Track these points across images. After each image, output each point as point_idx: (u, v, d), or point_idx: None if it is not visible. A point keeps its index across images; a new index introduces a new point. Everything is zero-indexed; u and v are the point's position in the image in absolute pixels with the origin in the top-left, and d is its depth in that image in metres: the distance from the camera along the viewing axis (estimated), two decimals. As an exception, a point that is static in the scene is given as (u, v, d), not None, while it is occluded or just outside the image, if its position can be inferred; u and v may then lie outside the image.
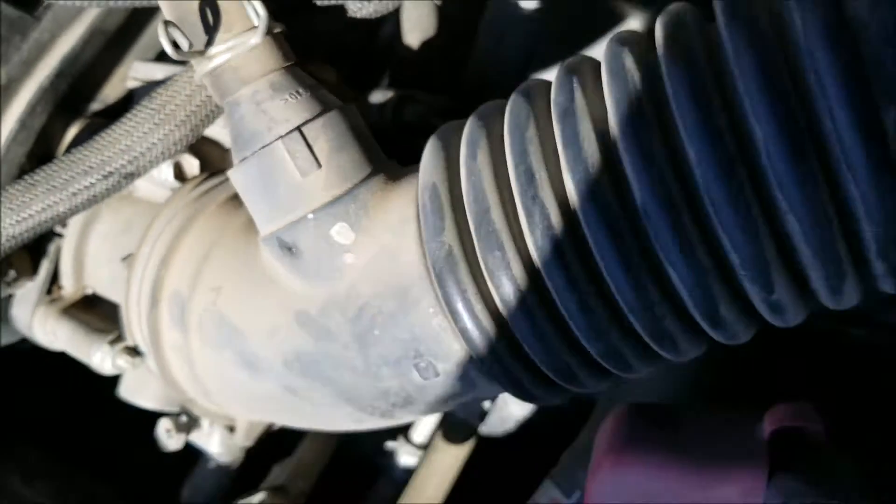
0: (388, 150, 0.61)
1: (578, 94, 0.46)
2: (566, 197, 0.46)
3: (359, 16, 0.60)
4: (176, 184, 0.69)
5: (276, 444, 0.84)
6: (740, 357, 0.72)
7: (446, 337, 0.52)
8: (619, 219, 0.44)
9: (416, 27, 0.80)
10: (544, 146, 0.47)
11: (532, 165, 0.47)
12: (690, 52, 0.43)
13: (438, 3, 0.81)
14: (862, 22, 0.40)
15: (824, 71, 0.39)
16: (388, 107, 0.75)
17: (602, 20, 1.05)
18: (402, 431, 1.00)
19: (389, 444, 1.00)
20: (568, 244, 0.46)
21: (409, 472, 0.97)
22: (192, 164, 0.69)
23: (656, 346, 0.49)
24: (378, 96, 0.76)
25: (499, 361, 0.51)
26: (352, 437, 0.96)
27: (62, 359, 0.76)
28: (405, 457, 0.98)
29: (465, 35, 0.83)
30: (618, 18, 1.07)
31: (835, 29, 0.39)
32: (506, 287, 0.48)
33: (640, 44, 0.46)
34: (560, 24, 0.82)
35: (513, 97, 0.51)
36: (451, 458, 0.93)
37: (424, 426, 0.98)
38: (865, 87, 0.39)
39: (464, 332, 0.50)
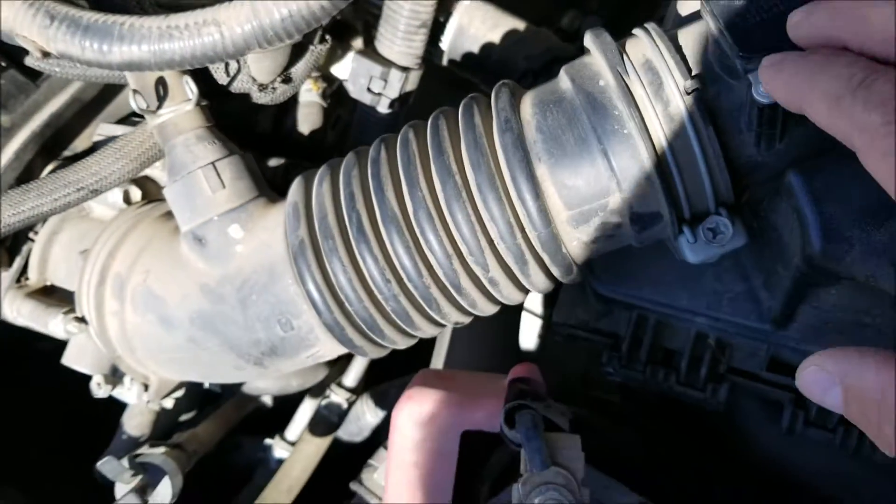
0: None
1: (383, 152, 0.77)
2: (373, 207, 0.76)
3: (260, 102, 0.91)
4: (124, 206, 0.96)
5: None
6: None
7: (299, 301, 0.79)
8: (401, 222, 0.74)
9: (307, 120, 1.12)
10: (362, 179, 0.77)
11: (353, 189, 0.76)
12: (439, 133, 0.74)
13: (325, 105, 1.14)
14: (526, 119, 0.72)
15: (504, 141, 0.71)
16: (280, 170, 1.05)
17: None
18: (279, 432, 1.25)
19: (267, 441, 1.25)
20: (372, 236, 0.75)
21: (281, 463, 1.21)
22: (136, 193, 0.97)
23: (427, 307, 0.77)
24: (274, 162, 1.06)
25: (331, 316, 0.79)
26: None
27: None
28: (279, 451, 1.23)
29: (341, 128, 1.15)
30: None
31: (511, 121, 0.71)
32: (335, 264, 0.76)
33: (422, 126, 0.78)
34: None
35: (349, 154, 0.81)
36: (314, 447, 1.18)
37: (297, 426, 1.23)
38: (526, 153, 0.71)
39: (309, 296, 0.78)
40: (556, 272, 0.74)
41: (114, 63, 0.75)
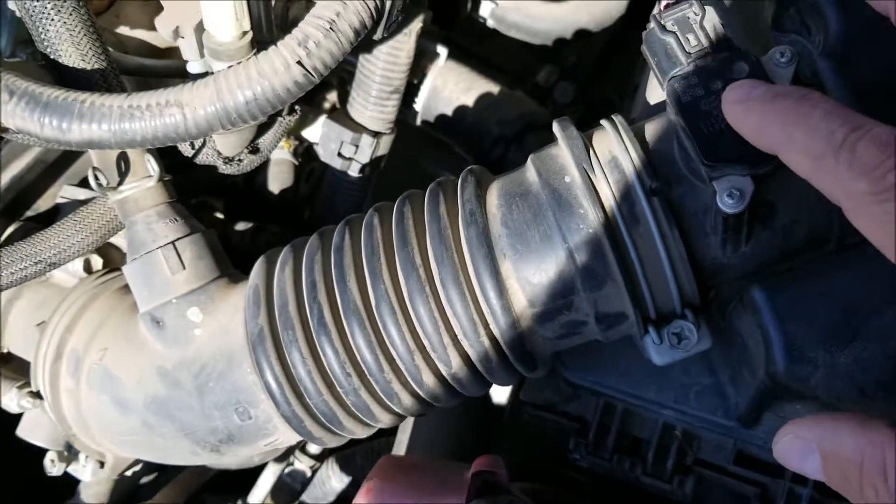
0: (241, 266, 0.88)
1: (347, 238, 0.75)
2: (335, 298, 0.74)
3: (226, 173, 0.89)
4: (84, 275, 0.94)
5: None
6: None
7: (257, 390, 0.77)
8: (363, 314, 0.72)
9: (277, 179, 1.10)
10: (325, 266, 0.75)
11: (315, 278, 0.75)
12: (405, 223, 0.73)
13: (295, 163, 1.12)
14: (492, 212, 0.70)
15: (469, 236, 0.69)
16: (246, 234, 1.03)
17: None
18: (242, 496, 1.23)
19: (229, 507, 1.22)
20: (333, 329, 0.73)
21: (246, 527, 1.19)
22: (97, 261, 0.95)
23: (388, 401, 0.76)
24: (241, 225, 1.04)
25: (289, 407, 0.77)
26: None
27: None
28: (243, 515, 1.20)
29: (314, 181, 1.13)
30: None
31: (476, 214, 0.70)
32: (294, 356, 0.74)
33: (387, 211, 0.76)
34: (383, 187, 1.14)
35: (313, 235, 0.79)
36: (278, 515, 1.16)
37: (259, 491, 1.20)
38: (491, 248, 0.69)
39: (267, 387, 0.76)
40: (520, 369, 0.73)
41: (73, 142, 0.73)
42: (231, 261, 0.90)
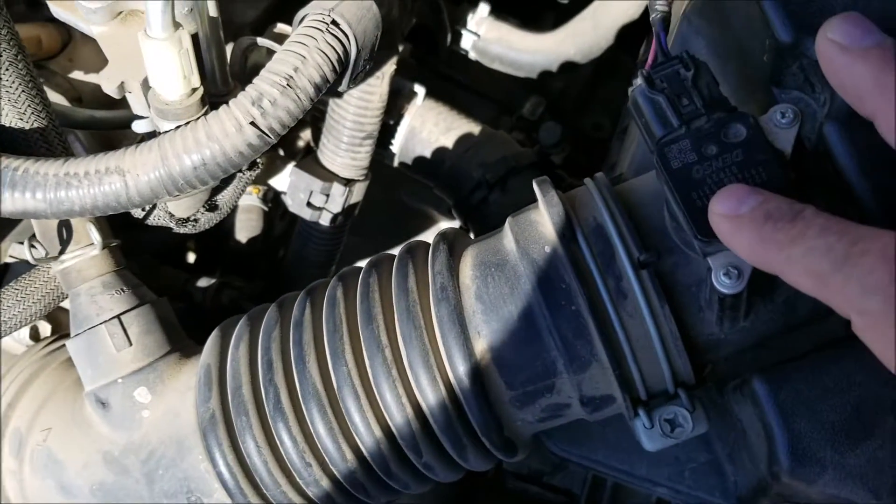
0: (204, 327, 0.81)
1: (307, 311, 0.69)
2: (293, 380, 0.67)
3: (181, 232, 0.82)
4: (31, 342, 0.87)
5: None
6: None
7: (209, 479, 0.70)
8: (323, 399, 0.65)
9: (245, 227, 1.03)
10: (283, 344, 0.69)
11: (272, 358, 0.68)
12: (370, 296, 0.66)
13: (265, 209, 1.05)
14: (465, 284, 0.64)
15: (439, 312, 0.63)
16: (209, 291, 0.96)
17: (403, 232, 1.31)
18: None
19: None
20: (291, 415, 0.66)
21: None
22: (45, 328, 0.88)
23: (353, 491, 0.68)
24: (203, 281, 0.97)
25: (245, 500, 0.69)
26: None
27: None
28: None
29: (282, 236, 1.06)
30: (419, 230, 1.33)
31: (448, 288, 0.63)
32: (249, 444, 0.67)
33: (352, 281, 0.70)
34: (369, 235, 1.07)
35: (272, 306, 0.73)
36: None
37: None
38: (464, 325, 0.62)
39: (220, 476, 0.69)
40: (498, 455, 0.66)
41: (5, 211, 0.67)
42: (193, 322, 0.83)
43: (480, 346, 0.63)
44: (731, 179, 0.54)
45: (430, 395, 0.63)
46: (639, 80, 0.59)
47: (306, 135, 1.16)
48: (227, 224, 1.10)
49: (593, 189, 0.63)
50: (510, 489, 0.87)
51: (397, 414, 0.64)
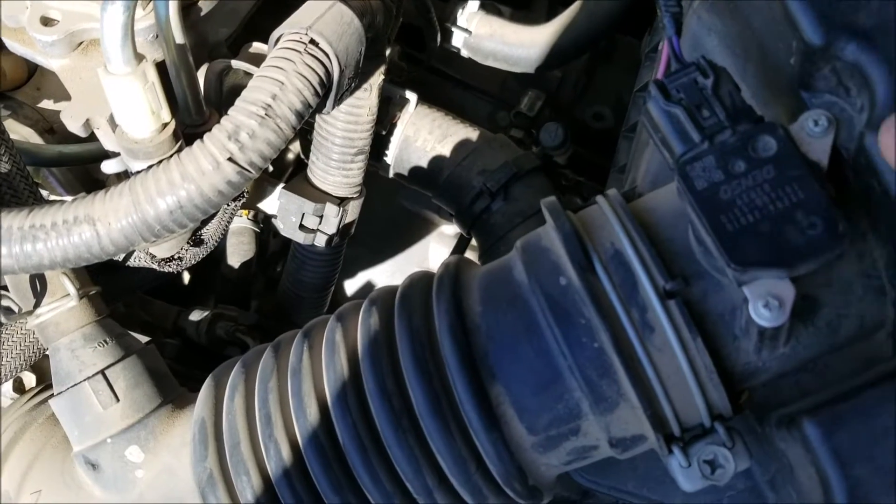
0: (201, 360, 0.76)
1: (305, 357, 0.63)
2: (295, 436, 0.62)
3: (166, 271, 0.77)
4: (15, 395, 0.82)
5: None
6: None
7: (213, 541, 0.66)
8: (329, 455, 0.60)
9: (237, 252, 0.98)
10: (282, 395, 0.63)
11: (270, 411, 0.63)
12: (374, 340, 0.60)
13: (257, 230, 1.00)
14: (475, 323, 0.58)
15: (448, 355, 0.57)
16: (202, 324, 0.90)
17: (404, 238, 1.25)
18: None
19: None
20: (295, 473, 0.61)
21: None
22: (29, 379, 0.83)
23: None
24: (196, 315, 0.92)
25: (253, 563, 0.65)
26: None
27: None
28: None
29: (278, 253, 1.01)
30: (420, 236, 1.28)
31: (456, 328, 0.58)
32: (251, 504, 0.63)
33: (353, 321, 0.64)
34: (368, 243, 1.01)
35: (267, 351, 0.67)
36: None
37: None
38: (475, 369, 0.57)
39: (224, 541, 0.64)
40: (522, 503, 0.61)
41: (-31, 268, 0.61)
42: (187, 358, 0.78)
43: (496, 390, 0.57)
44: (763, 200, 0.49)
45: (443, 448, 0.57)
46: (653, 91, 0.53)
47: (295, 147, 1.11)
48: (218, 250, 1.05)
49: (608, 210, 0.57)
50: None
51: (409, 468, 0.58)
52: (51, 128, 0.89)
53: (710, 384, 0.55)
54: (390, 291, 0.65)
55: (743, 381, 0.57)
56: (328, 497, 0.60)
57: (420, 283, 0.64)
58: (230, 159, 0.60)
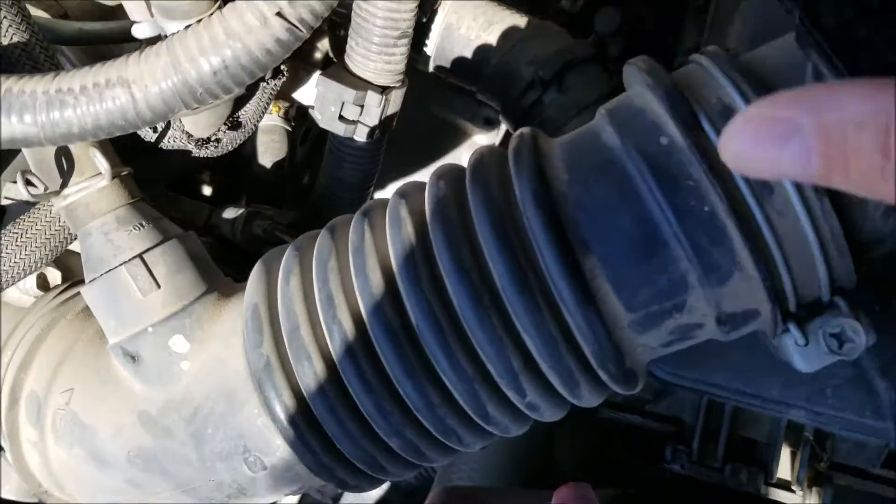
0: (236, 260, 0.70)
1: (367, 235, 0.57)
2: (360, 316, 0.56)
3: (202, 156, 0.70)
4: (39, 293, 0.76)
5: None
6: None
7: (269, 434, 0.60)
8: (400, 336, 0.55)
9: (269, 150, 0.91)
10: (343, 275, 0.57)
11: (332, 291, 0.57)
12: (445, 210, 0.54)
13: (289, 129, 0.92)
14: (561, 192, 0.52)
15: (534, 225, 0.51)
16: (238, 222, 0.84)
17: (435, 149, 1.18)
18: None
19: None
20: (363, 356, 0.56)
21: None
22: (54, 276, 0.76)
23: (443, 439, 0.59)
24: (230, 213, 0.85)
25: (314, 455, 0.59)
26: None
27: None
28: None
29: (311, 141, 0.94)
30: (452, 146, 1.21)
31: (541, 196, 0.51)
32: (314, 392, 0.57)
33: (417, 197, 0.58)
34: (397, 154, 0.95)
35: (322, 232, 0.61)
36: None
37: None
38: (565, 240, 0.51)
39: (282, 431, 0.59)
40: (616, 388, 0.55)
41: (-13, 140, 0.55)
42: (222, 258, 0.72)
43: (590, 262, 0.51)
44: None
45: (531, 325, 0.51)
46: None
47: (324, 45, 1.03)
48: (247, 148, 0.98)
49: (710, 65, 0.51)
50: (603, 419, 0.76)
51: (492, 350, 0.52)
52: (65, 13, 0.81)
53: (836, 251, 0.49)
54: (458, 167, 0.59)
55: (865, 251, 0.51)
56: (399, 380, 0.55)
57: (493, 154, 0.57)
58: (278, 14, 0.53)
